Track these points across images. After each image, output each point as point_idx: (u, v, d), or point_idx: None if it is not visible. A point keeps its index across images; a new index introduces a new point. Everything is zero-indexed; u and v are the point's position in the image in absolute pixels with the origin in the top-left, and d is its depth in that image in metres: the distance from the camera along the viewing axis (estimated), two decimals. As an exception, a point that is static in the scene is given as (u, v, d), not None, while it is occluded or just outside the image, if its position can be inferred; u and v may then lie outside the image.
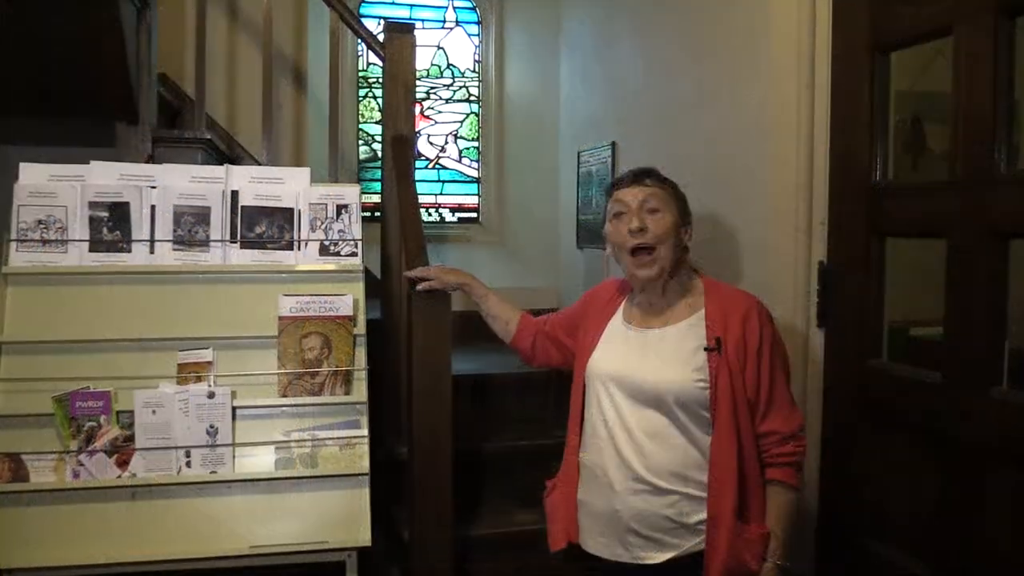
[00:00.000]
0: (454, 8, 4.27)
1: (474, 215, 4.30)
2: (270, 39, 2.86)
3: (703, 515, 1.53)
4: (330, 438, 1.90)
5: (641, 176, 1.66)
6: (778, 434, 1.58)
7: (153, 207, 1.98)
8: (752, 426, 1.57)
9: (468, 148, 4.31)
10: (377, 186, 3.60)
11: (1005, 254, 1.58)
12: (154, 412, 1.82)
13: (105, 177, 1.98)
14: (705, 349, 1.57)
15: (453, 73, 4.28)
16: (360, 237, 2.07)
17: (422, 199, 4.04)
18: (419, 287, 2.03)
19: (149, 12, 2.60)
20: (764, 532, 1.55)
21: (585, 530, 1.66)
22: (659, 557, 1.55)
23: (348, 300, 1.97)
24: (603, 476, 1.61)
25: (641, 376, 1.59)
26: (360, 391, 1.95)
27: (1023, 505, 1.51)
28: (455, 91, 4.29)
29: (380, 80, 3.81)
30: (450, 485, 2.07)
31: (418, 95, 3.84)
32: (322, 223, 2.05)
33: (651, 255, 1.60)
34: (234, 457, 1.86)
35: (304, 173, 2.09)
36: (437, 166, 4.27)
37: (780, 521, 1.57)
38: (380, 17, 4.08)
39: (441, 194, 4.26)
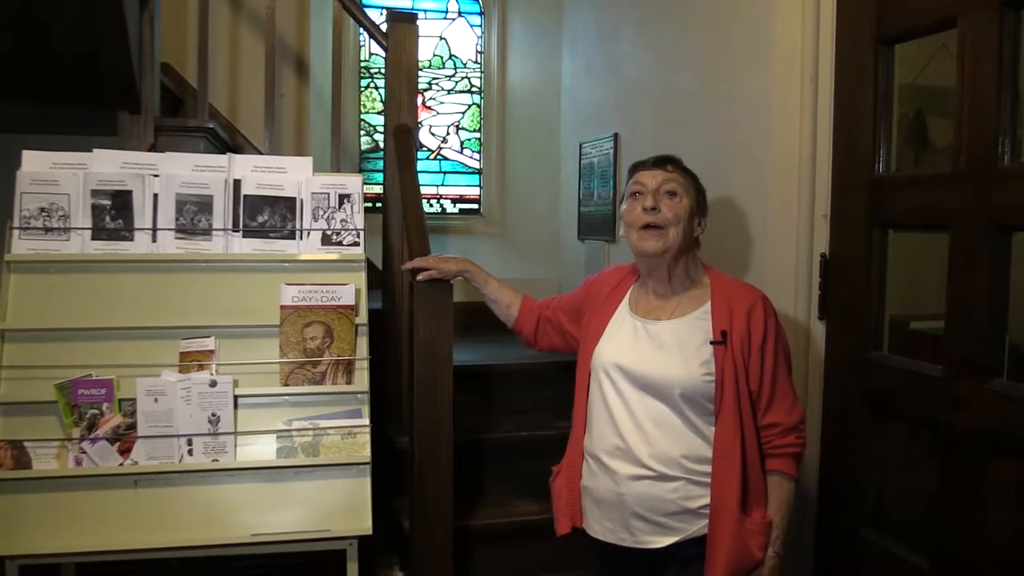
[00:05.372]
0: (457, -1, 4.26)
1: (475, 206, 4.30)
2: (272, 28, 2.86)
3: (706, 500, 1.55)
4: (332, 427, 1.90)
5: (663, 161, 1.69)
6: (780, 426, 1.60)
7: (156, 195, 1.97)
8: (754, 418, 1.59)
9: (470, 139, 4.30)
10: (379, 176, 3.61)
11: (1007, 247, 1.59)
12: (156, 400, 1.82)
13: (108, 165, 1.98)
14: (711, 343, 1.59)
15: (455, 64, 4.27)
16: (362, 227, 2.06)
17: (424, 190, 4.03)
18: (419, 277, 2.04)
19: (152, 1, 2.59)
20: (767, 521, 1.58)
21: (590, 515, 1.68)
22: (663, 541, 1.57)
23: (350, 289, 1.97)
24: (608, 462, 1.62)
25: (648, 368, 1.60)
26: (362, 380, 1.95)
27: (1021, 497, 1.52)
28: (457, 82, 4.28)
29: (382, 70, 3.82)
30: (450, 475, 2.08)
31: (420, 86, 3.83)
32: (324, 212, 2.05)
33: (659, 231, 1.62)
34: (236, 445, 1.86)
35: (306, 162, 2.08)
36: (439, 157, 4.27)
37: (781, 510, 1.60)
38: (383, 7, 4.07)
39: (443, 185, 4.26)
